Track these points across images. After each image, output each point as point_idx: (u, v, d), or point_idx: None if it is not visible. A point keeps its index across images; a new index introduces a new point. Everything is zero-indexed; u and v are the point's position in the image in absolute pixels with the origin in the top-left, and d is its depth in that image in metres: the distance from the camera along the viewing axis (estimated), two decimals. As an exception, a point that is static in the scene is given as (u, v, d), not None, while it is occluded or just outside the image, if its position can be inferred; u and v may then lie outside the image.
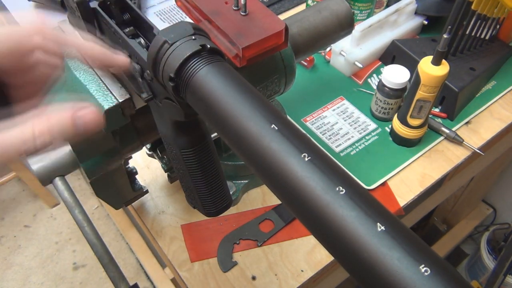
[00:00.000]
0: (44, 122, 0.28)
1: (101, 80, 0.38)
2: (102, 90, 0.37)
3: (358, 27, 0.75)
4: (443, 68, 0.57)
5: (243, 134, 0.26)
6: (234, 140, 0.27)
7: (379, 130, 0.70)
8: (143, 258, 1.38)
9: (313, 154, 0.24)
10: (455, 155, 0.68)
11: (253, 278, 0.56)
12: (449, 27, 0.67)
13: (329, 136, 0.69)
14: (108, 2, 0.39)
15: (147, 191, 0.58)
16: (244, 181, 0.63)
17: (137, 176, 0.57)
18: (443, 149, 0.69)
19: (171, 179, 0.60)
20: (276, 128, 0.25)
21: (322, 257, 0.58)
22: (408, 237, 0.21)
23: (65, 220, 1.67)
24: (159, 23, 0.85)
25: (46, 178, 0.44)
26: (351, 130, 0.70)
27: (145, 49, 0.35)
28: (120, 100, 0.37)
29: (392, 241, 0.20)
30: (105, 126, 0.39)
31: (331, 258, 0.58)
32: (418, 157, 0.67)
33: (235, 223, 0.61)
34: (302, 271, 0.57)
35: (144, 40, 0.37)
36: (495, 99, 0.75)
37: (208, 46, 0.30)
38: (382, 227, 0.21)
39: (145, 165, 0.67)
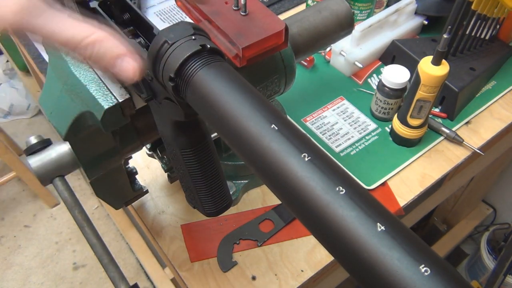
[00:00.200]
0: (101, 38, 0.28)
1: (101, 80, 0.38)
2: (102, 90, 0.37)
3: (358, 27, 0.75)
4: (443, 68, 0.57)
5: (243, 134, 0.26)
6: (234, 140, 0.27)
7: (379, 130, 0.70)
8: (143, 258, 1.38)
9: (313, 154, 0.24)
10: (455, 155, 0.68)
11: (253, 278, 0.56)
12: (449, 27, 0.67)
13: (329, 136, 0.69)
14: (108, 2, 0.39)
15: (147, 191, 0.58)
16: (244, 181, 0.63)
17: (137, 176, 0.57)
18: (443, 149, 0.69)
19: (171, 179, 0.60)
20: (276, 128, 0.25)
21: (322, 257, 0.58)
22: (408, 237, 0.21)
23: (65, 220, 1.67)
24: (159, 23, 0.85)
25: (46, 178, 0.44)
26: (351, 130, 0.70)
27: (145, 49, 0.35)
28: (120, 100, 0.37)
29: (392, 241, 0.20)
30: (105, 128, 0.39)
31: (331, 258, 0.58)
32: (418, 157, 0.67)
33: (235, 223, 0.61)
34: (302, 271, 0.57)
35: (144, 40, 0.37)
36: (495, 99, 0.75)
37: (208, 46, 0.30)
38: (382, 227, 0.21)
39: (145, 165, 0.67)
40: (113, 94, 0.37)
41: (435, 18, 0.83)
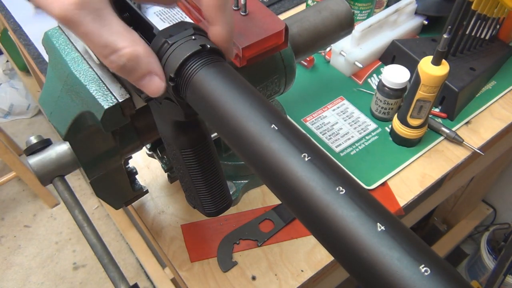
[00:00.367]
0: (138, 53, 0.28)
1: (101, 80, 0.38)
2: (102, 90, 0.37)
3: (358, 27, 0.75)
4: (443, 68, 0.58)
5: (243, 134, 0.26)
6: (234, 140, 0.27)
7: (379, 130, 0.70)
8: (143, 258, 1.38)
9: (313, 154, 0.24)
10: (455, 155, 0.68)
11: (253, 278, 0.56)
12: (449, 27, 0.66)
13: (329, 136, 0.69)
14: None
15: (147, 191, 0.58)
16: (244, 181, 0.63)
17: (137, 176, 0.57)
18: (443, 149, 0.69)
19: (171, 179, 0.60)
20: (276, 128, 0.25)
21: (322, 257, 0.58)
22: (408, 237, 0.21)
23: (65, 220, 1.67)
24: (159, 23, 0.85)
25: (46, 178, 0.44)
26: (351, 130, 0.70)
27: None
28: (120, 100, 0.37)
29: (392, 241, 0.20)
30: (104, 128, 0.39)
31: (331, 258, 0.58)
32: (418, 157, 0.67)
33: (235, 223, 0.61)
34: (302, 271, 0.57)
35: (144, 40, 0.37)
36: (495, 99, 0.75)
37: (208, 46, 0.30)
38: (382, 227, 0.21)
39: (145, 165, 0.67)
40: (113, 94, 0.37)
41: (435, 18, 0.83)
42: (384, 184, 0.64)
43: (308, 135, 0.69)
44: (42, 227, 1.65)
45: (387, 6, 0.85)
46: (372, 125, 0.71)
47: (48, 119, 0.42)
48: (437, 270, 0.19)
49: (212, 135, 0.49)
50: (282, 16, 0.88)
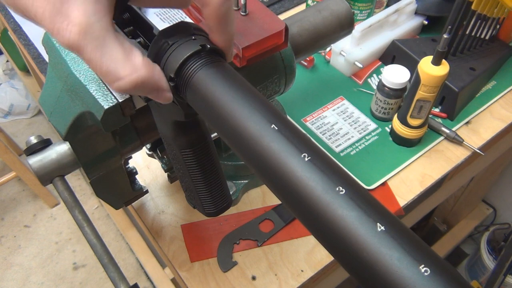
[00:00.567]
0: (141, 79, 0.29)
1: (101, 80, 0.38)
2: (102, 90, 0.37)
3: (358, 27, 0.75)
4: (443, 68, 0.58)
5: (243, 134, 0.26)
6: (234, 140, 0.27)
7: (379, 130, 0.70)
8: (143, 258, 1.38)
9: (313, 154, 0.24)
10: (455, 155, 0.68)
11: (253, 278, 0.56)
12: (449, 27, 0.67)
13: (329, 136, 0.69)
14: (108, 2, 0.39)
15: (147, 191, 0.58)
16: (244, 181, 0.63)
17: (137, 176, 0.57)
18: (443, 149, 0.69)
19: (171, 179, 0.60)
20: (276, 128, 0.25)
21: (322, 257, 0.58)
22: (408, 237, 0.21)
23: (65, 220, 1.67)
24: (159, 23, 0.85)
25: (46, 178, 0.44)
26: (351, 130, 0.70)
27: (144, 49, 0.35)
28: (120, 100, 0.37)
29: (392, 241, 0.20)
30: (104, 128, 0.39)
31: (331, 258, 0.58)
32: (418, 157, 0.67)
33: (235, 223, 0.61)
34: (302, 271, 0.57)
35: (144, 40, 0.37)
36: (495, 99, 0.75)
37: (208, 46, 0.30)
38: (382, 227, 0.21)
39: (145, 165, 0.67)
40: (113, 94, 0.37)
41: (435, 18, 0.83)
42: (384, 184, 0.64)
43: (308, 135, 0.69)
44: (42, 227, 1.65)
45: (387, 6, 0.85)
46: (372, 125, 0.71)
47: (48, 119, 0.42)
48: (437, 270, 0.19)
49: (212, 135, 0.49)
50: (282, 16, 0.88)
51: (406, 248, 0.20)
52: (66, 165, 0.44)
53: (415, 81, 0.60)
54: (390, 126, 0.70)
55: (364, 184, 0.64)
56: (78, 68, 0.38)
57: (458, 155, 0.68)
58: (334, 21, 0.60)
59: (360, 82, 0.78)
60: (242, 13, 0.45)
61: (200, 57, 0.30)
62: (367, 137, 0.69)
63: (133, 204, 0.60)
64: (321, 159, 0.24)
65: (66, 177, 0.45)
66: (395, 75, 0.66)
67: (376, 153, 0.67)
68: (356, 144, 0.68)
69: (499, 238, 1.43)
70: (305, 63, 0.79)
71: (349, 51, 0.76)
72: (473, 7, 0.68)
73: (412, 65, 0.67)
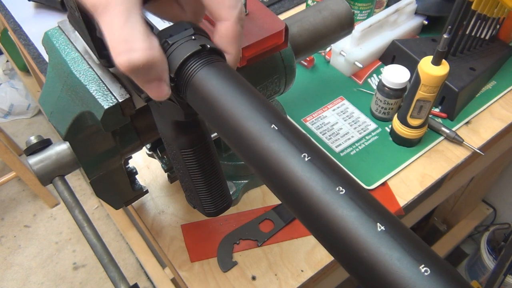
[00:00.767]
0: (154, 60, 0.28)
1: (101, 80, 0.38)
2: (102, 90, 0.37)
3: (358, 27, 0.75)
4: (443, 68, 0.57)
5: (243, 134, 0.26)
6: (234, 140, 0.27)
7: (379, 130, 0.70)
8: (143, 258, 1.38)
9: (313, 154, 0.24)
10: (455, 155, 0.68)
11: (253, 278, 0.56)
12: (449, 27, 0.67)
13: (329, 136, 0.69)
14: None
15: (147, 191, 0.58)
16: (244, 181, 0.63)
17: (137, 176, 0.57)
18: (443, 149, 0.69)
19: (171, 179, 0.60)
20: (276, 128, 0.25)
21: (322, 257, 0.58)
22: (408, 237, 0.21)
23: (65, 220, 1.67)
24: (159, 23, 0.85)
25: (46, 178, 0.44)
26: (351, 130, 0.70)
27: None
28: (120, 100, 0.37)
29: (392, 241, 0.20)
30: (104, 128, 0.39)
31: (331, 258, 0.58)
32: (418, 157, 0.67)
33: (235, 223, 0.61)
34: (302, 271, 0.57)
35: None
36: (495, 99, 0.75)
37: (208, 46, 0.30)
38: (382, 227, 0.21)
39: (145, 165, 0.67)
40: (113, 94, 0.37)
41: (435, 18, 0.83)
42: (384, 184, 0.64)
43: (308, 135, 0.69)
44: (42, 227, 1.65)
45: (387, 6, 0.85)
46: (372, 125, 0.71)
47: (48, 119, 0.42)
48: (437, 270, 0.19)
49: (212, 135, 0.49)
50: (282, 16, 0.88)
51: (406, 248, 0.20)
52: (66, 165, 0.44)
53: (415, 81, 0.60)
54: (390, 126, 0.70)
55: (364, 184, 0.64)
56: (78, 68, 0.38)
57: (458, 155, 0.68)
58: (334, 21, 0.60)
59: (360, 82, 0.78)
60: (242, 13, 0.45)
61: (200, 57, 0.30)
62: (367, 137, 0.69)
63: (133, 204, 0.60)
64: (321, 159, 0.24)
65: (66, 177, 0.45)
66: (395, 75, 0.66)
67: (376, 153, 0.67)
68: (356, 144, 0.68)
69: (499, 238, 1.43)
70: (305, 63, 0.79)
71: (349, 51, 0.76)
72: (473, 7, 0.68)
73: (412, 65, 0.67)
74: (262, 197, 0.64)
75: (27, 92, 1.91)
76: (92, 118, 0.38)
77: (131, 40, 0.28)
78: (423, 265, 0.19)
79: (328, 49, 0.80)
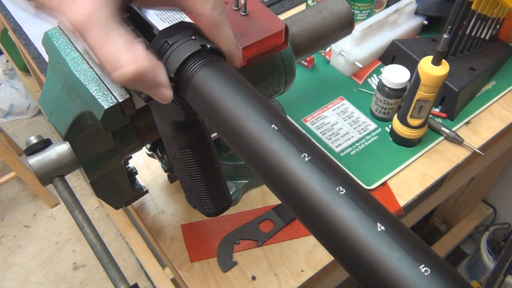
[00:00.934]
0: (141, 70, 0.28)
1: (101, 80, 0.38)
2: (102, 90, 0.37)
3: (358, 27, 0.75)
4: (443, 68, 0.57)
5: (243, 134, 0.26)
6: (234, 140, 0.27)
7: (379, 130, 0.70)
8: (143, 258, 1.38)
9: (313, 154, 0.24)
10: (455, 155, 0.68)
11: (253, 278, 0.56)
12: (449, 27, 0.67)
13: (329, 136, 0.69)
14: (108, 2, 0.39)
15: (147, 191, 0.58)
16: (244, 181, 0.63)
17: (137, 176, 0.57)
18: (443, 149, 0.69)
19: (171, 179, 0.60)
20: (276, 128, 0.25)
21: (322, 257, 0.58)
22: (408, 237, 0.21)
23: (65, 220, 1.67)
24: (159, 23, 0.85)
25: (46, 178, 0.44)
26: (351, 130, 0.70)
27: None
28: (120, 100, 0.37)
29: (392, 241, 0.20)
30: (104, 128, 0.39)
31: (331, 258, 0.58)
32: (418, 157, 0.67)
33: (235, 223, 0.61)
34: (302, 271, 0.57)
35: (144, 40, 0.37)
36: (495, 99, 0.75)
37: (208, 46, 0.30)
38: (382, 227, 0.21)
39: (145, 165, 0.67)
40: (113, 94, 0.37)
41: (435, 18, 0.83)
42: (384, 184, 0.64)
43: (308, 135, 0.69)
44: (42, 227, 1.65)
45: (387, 6, 0.84)
46: (372, 125, 0.71)
47: (48, 119, 0.42)
48: (437, 270, 0.19)
49: (212, 135, 0.49)
50: (282, 16, 0.88)
51: (406, 248, 0.20)
52: (66, 165, 0.44)
53: (415, 81, 0.60)
54: (390, 126, 0.70)
55: (364, 184, 0.64)
56: (78, 68, 0.38)
57: (458, 155, 0.68)
58: (334, 21, 0.60)
59: (360, 82, 0.78)
60: (242, 13, 0.45)
61: (200, 57, 0.30)
62: (367, 137, 0.69)
63: (133, 204, 0.60)
64: (321, 159, 0.24)
65: (66, 177, 0.45)
66: (395, 75, 0.66)
67: (376, 153, 0.67)
68: (356, 144, 0.68)
69: (499, 238, 1.43)
70: (305, 63, 0.79)
71: (349, 51, 0.76)
72: (473, 7, 0.68)
73: (412, 65, 0.67)
74: (262, 197, 0.64)
75: (27, 92, 1.91)
76: (92, 118, 0.38)
77: (115, 57, 0.28)
78: (423, 265, 0.19)
79: (328, 49, 0.80)
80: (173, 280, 1.29)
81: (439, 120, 0.72)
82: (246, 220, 0.61)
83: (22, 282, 1.51)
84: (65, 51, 0.39)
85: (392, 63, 0.79)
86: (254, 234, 0.59)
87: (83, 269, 1.54)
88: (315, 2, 0.81)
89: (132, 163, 0.57)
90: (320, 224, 0.22)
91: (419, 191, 0.64)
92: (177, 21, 0.34)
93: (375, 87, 0.76)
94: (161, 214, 0.62)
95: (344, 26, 0.61)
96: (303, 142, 0.25)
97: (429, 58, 0.58)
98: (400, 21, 0.81)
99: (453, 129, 0.70)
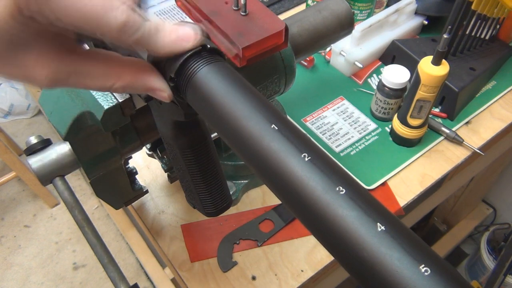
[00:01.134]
0: (127, 83, 0.29)
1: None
2: (102, 90, 0.37)
3: (358, 27, 0.75)
4: (443, 68, 0.57)
5: (243, 134, 0.26)
6: (234, 140, 0.27)
7: (379, 130, 0.70)
8: (143, 258, 1.38)
9: (313, 154, 0.24)
10: (455, 155, 0.68)
11: (253, 278, 0.56)
12: (449, 27, 0.67)
13: (329, 136, 0.69)
14: (108, 2, 0.39)
15: (147, 191, 0.58)
16: (244, 181, 0.63)
17: (137, 176, 0.57)
18: (443, 149, 0.69)
19: (171, 179, 0.60)
20: (276, 128, 0.25)
21: (322, 257, 0.58)
22: (408, 237, 0.21)
23: (65, 220, 1.67)
24: (159, 23, 0.85)
25: (46, 178, 0.44)
26: (351, 130, 0.70)
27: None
28: (120, 100, 0.37)
29: (392, 241, 0.20)
30: (104, 128, 0.39)
31: (331, 258, 0.58)
32: (418, 157, 0.67)
33: (235, 223, 0.61)
34: (302, 271, 0.57)
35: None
36: (495, 99, 0.75)
37: (208, 46, 0.30)
38: (382, 227, 0.21)
39: (145, 165, 0.67)
40: (113, 94, 0.37)
41: (435, 18, 0.83)
42: (384, 184, 0.64)
43: (308, 135, 0.69)
44: (42, 227, 1.65)
45: (387, 6, 0.84)
46: (372, 125, 0.71)
47: (48, 119, 0.42)
48: (437, 270, 0.19)
49: (212, 135, 0.49)
50: (282, 16, 0.88)
51: (406, 248, 0.20)
52: (66, 165, 0.44)
53: (415, 81, 0.60)
54: (390, 126, 0.70)
55: (364, 184, 0.64)
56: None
57: (458, 155, 0.68)
58: (334, 21, 0.60)
59: (360, 82, 0.78)
60: (242, 13, 0.45)
61: (200, 57, 0.30)
62: (367, 137, 0.69)
63: (133, 204, 0.60)
64: (321, 159, 0.24)
65: (66, 177, 0.45)
66: (395, 75, 0.66)
67: (376, 153, 0.67)
68: (356, 144, 0.68)
69: (499, 238, 1.43)
70: (305, 63, 0.79)
71: (349, 51, 0.76)
72: (473, 7, 0.68)
73: (412, 65, 0.67)
74: (262, 197, 0.64)
75: (27, 92, 1.91)
76: (92, 118, 0.39)
77: (101, 86, 0.29)
78: (423, 265, 0.19)
79: (328, 49, 0.80)
80: (173, 280, 1.29)
81: (439, 120, 0.72)
82: (246, 220, 0.61)
83: (22, 282, 1.51)
84: (65, 51, 0.39)
85: (392, 63, 0.79)
86: (254, 234, 0.59)
87: (83, 269, 1.54)
88: (315, 2, 0.81)
89: (132, 163, 0.57)
90: (320, 224, 0.22)
91: (419, 191, 0.64)
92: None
93: (375, 87, 0.76)
94: (161, 214, 0.62)
95: (344, 26, 0.61)
96: (303, 142, 0.25)
97: (429, 58, 0.58)
98: (400, 21, 0.81)
99: (453, 129, 0.70)
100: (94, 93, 0.37)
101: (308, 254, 0.58)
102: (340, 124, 0.71)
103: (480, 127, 0.72)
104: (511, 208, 1.40)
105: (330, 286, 0.75)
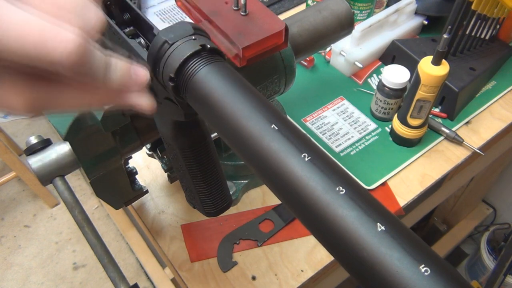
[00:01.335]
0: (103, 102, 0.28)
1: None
2: (102, 90, 0.37)
3: (358, 27, 0.75)
4: (443, 68, 0.58)
5: (243, 134, 0.26)
6: (234, 140, 0.27)
7: (379, 130, 0.70)
8: (143, 258, 1.38)
9: (313, 154, 0.24)
10: (455, 155, 0.68)
11: (253, 278, 0.56)
12: (449, 27, 0.67)
13: (329, 136, 0.69)
14: (108, 2, 0.39)
15: (147, 191, 0.58)
16: (244, 181, 0.63)
17: (137, 176, 0.57)
18: (443, 149, 0.69)
19: (171, 179, 0.60)
20: (276, 128, 0.25)
21: (322, 257, 0.58)
22: (408, 237, 0.21)
23: (65, 220, 1.67)
24: (159, 23, 0.85)
25: (46, 178, 0.44)
26: (351, 130, 0.70)
27: (145, 49, 0.35)
28: (120, 100, 0.37)
29: (392, 241, 0.20)
30: (104, 127, 0.39)
31: (331, 258, 0.58)
32: (418, 157, 0.67)
33: (235, 223, 0.61)
34: (302, 271, 0.57)
35: (144, 40, 0.37)
36: (495, 99, 0.75)
37: (208, 46, 0.30)
38: (382, 227, 0.21)
39: (145, 165, 0.67)
40: (113, 94, 0.37)
41: (435, 18, 0.83)
42: (384, 184, 0.64)
43: (308, 135, 0.69)
44: (42, 227, 1.65)
45: (387, 6, 0.85)
46: (372, 125, 0.71)
47: (48, 119, 0.42)
48: (437, 270, 0.19)
49: (212, 135, 0.49)
50: (282, 16, 0.88)
51: (406, 248, 0.20)
52: (66, 165, 0.44)
53: (415, 81, 0.60)
54: (390, 126, 0.70)
55: (364, 184, 0.64)
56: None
57: (458, 155, 0.68)
58: (334, 21, 0.60)
59: (360, 82, 0.78)
60: (242, 13, 0.45)
61: (200, 57, 0.30)
62: (367, 137, 0.69)
63: (133, 204, 0.60)
64: (321, 159, 0.24)
65: (66, 177, 0.45)
66: (395, 75, 0.66)
67: (376, 153, 0.67)
68: (356, 144, 0.68)
69: (499, 238, 1.43)
70: (305, 63, 0.79)
71: (349, 51, 0.76)
72: (473, 7, 0.68)
73: (412, 65, 0.67)
74: (262, 197, 0.64)
75: (27, 92, 1.91)
76: (92, 118, 0.39)
77: (91, 106, 0.28)
78: (423, 265, 0.19)
79: (328, 49, 0.80)
80: (173, 280, 1.29)
81: (439, 120, 0.72)
82: (246, 220, 0.61)
83: (22, 282, 1.51)
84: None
85: (392, 63, 0.79)
86: (254, 234, 0.59)
87: (83, 269, 1.54)
88: (315, 2, 0.81)
89: (132, 163, 0.57)
90: (320, 224, 0.22)
91: (419, 191, 0.64)
92: (177, 21, 0.34)
93: (375, 87, 0.76)
94: (161, 214, 0.62)
95: (344, 26, 0.61)
96: (303, 142, 0.25)
97: (429, 58, 0.58)
98: (400, 21, 0.81)
99: (453, 129, 0.70)
100: (94, 93, 0.37)
101: (308, 254, 0.58)
102: (340, 124, 0.71)
103: (480, 127, 0.72)
104: (511, 208, 1.40)
105: (330, 286, 0.75)
